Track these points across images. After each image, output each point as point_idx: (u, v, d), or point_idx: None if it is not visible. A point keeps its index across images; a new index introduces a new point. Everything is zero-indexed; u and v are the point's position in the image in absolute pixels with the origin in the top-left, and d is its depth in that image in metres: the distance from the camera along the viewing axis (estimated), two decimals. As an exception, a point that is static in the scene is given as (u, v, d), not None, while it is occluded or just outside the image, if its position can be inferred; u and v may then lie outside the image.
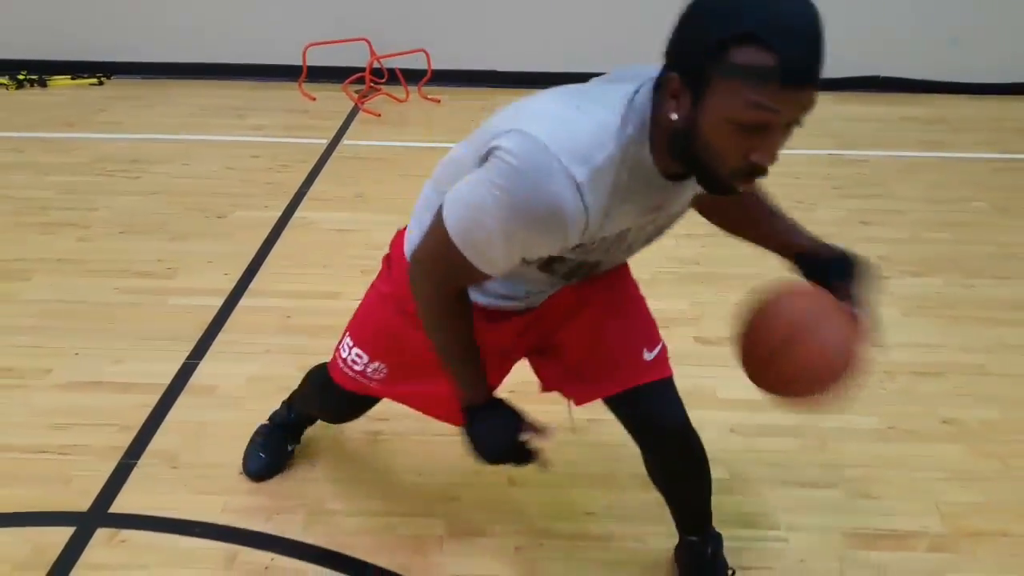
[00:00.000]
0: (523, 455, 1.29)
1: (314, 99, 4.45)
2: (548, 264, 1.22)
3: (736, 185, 1.03)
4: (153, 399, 2.12)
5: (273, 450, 1.88)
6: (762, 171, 1.01)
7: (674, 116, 1.00)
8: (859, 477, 1.92)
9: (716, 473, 1.54)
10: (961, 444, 2.03)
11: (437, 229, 1.15)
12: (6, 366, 2.26)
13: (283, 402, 1.90)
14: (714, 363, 2.18)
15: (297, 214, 3.17)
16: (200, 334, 2.39)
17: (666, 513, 1.60)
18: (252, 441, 1.90)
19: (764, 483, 1.90)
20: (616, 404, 1.42)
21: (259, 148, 3.81)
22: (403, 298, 1.29)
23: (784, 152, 1.00)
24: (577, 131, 1.03)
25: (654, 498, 1.59)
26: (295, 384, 1.82)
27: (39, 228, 3.01)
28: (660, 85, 1.03)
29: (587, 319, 1.39)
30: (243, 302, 2.57)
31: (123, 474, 1.89)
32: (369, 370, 1.46)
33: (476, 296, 1.32)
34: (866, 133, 4.13)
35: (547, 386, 1.49)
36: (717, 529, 1.63)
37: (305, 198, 3.31)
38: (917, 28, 4.52)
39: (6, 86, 4.55)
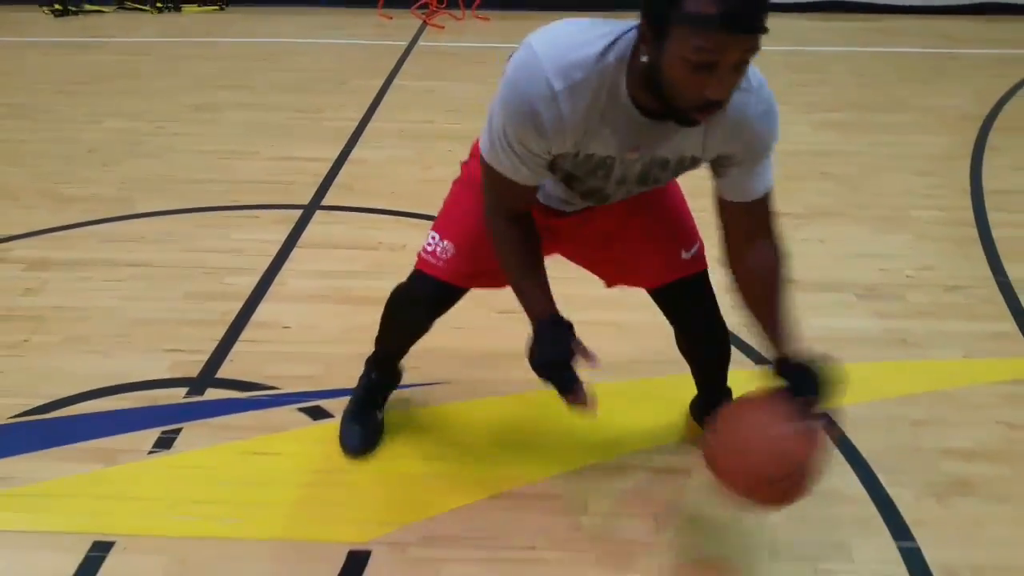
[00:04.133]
0: (567, 378, 1.35)
1: (390, 18, 5.73)
2: (568, 179, 1.42)
3: (696, 117, 1.18)
4: (327, 165, 3.44)
5: (365, 422, 1.93)
6: (717, 104, 1.15)
7: (644, 58, 1.16)
8: (762, 195, 3.17)
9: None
10: (829, 182, 3.29)
11: (478, 162, 1.39)
12: (231, 149, 3.59)
13: (361, 376, 1.96)
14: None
15: (395, 83, 4.47)
16: (348, 136, 3.71)
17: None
18: (344, 421, 1.95)
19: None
20: (656, 294, 1.67)
21: (356, 48, 5.12)
22: (478, 185, 1.44)
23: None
24: (567, 51, 1.21)
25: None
26: (417, 162, 3.02)
27: (218, 87, 4.35)
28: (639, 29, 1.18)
29: (634, 225, 1.59)
30: (370, 125, 3.88)
31: (324, 189, 3.21)
32: (439, 250, 1.60)
33: (540, 197, 1.51)
34: (822, 36, 5.33)
35: (609, 283, 1.74)
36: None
37: (398, 75, 4.60)
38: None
39: (149, 11, 5.88)
